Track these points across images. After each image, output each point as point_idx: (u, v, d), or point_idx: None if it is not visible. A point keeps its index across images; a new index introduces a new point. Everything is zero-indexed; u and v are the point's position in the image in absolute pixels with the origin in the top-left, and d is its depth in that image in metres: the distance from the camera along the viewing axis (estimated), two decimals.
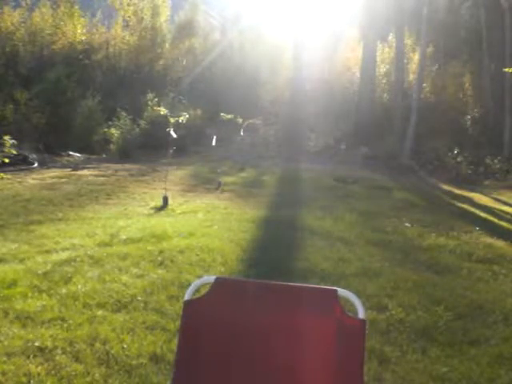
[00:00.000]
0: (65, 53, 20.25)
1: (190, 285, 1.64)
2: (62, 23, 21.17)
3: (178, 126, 8.63)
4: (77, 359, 2.72)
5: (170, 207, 7.29)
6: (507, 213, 8.50)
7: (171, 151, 8.32)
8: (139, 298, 3.55)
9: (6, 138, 7.26)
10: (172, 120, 8.28)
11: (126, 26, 22.95)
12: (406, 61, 19.20)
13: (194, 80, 20.82)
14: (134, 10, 22.87)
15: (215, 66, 22.11)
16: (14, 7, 21.23)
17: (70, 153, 14.38)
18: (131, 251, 4.71)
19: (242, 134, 13.98)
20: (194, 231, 5.63)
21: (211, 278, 1.63)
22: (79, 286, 3.72)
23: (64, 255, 4.54)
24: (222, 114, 12.78)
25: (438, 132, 16.29)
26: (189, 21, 24.17)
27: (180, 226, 5.91)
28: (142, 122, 16.18)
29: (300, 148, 16.33)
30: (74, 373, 2.57)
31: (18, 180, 9.49)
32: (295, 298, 1.60)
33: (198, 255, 4.66)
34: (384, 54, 21.21)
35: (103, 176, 10.65)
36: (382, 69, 20.91)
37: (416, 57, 19.76)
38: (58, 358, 2.71)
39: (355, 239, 5.66)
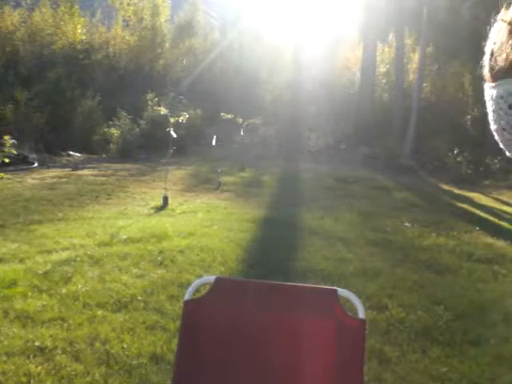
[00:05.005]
0: (65, 53, 20.23)
1: (190, 285, 1.64)
2: (62, 23, 21.15)
3: (178, 126, 8.63)
4: (77, 359, 2.72)
5: (169, 207, 7.29)
6: (507, 213, 8.50)
7: (171, 151, 8.32)
8: (139, 298, 3.56)
9: (6, 137, 7.27)
10: (172, 120, 8.28)
11: (126, 26, 22.94)
12: (405, 61, 19.19)
13: (193, 80, 20.80)
14: (134, 10, 22.86)
15: (215, 66, 22.11)
16: (14, 7, 21.20)
17: (70, 153, 14.37)
18: (131, 251, 4.71)
19: (242, 133, 13.97)
20: (194, 231, 5.63)
21: (211, 278, 1.63)
22: (79, 286, 3.72)
23: (64, 255, 4.54)
24: (222, 114, 12.79)
25: (438, 132, 16.28)
26: (189, 21, 24.16)
27: (180, 225, 5.91)
28: (142, 122, 16.18)
29: (300, 148, 16.33)
30: (73, 373, 2.58)
31: (18, 180, 9.48)
32: (295, 298, 1.60)
33: (198, 255, 4.67)
34: (384, 54, 21.19)
35: (103, 176, 10.65)
36: (382, 69, 20.89)
37: (416, 57, 19.75)
38: (58, 357, 2.71)
39: (355, 239, 5.66)
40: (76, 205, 7.32)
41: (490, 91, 0.54)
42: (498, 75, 0.52)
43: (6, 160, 7.45)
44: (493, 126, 0.54)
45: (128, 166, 12.68)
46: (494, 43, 0.54)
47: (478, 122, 19.15)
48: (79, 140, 15.30)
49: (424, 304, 3.67)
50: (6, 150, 7.20)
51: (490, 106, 0.54)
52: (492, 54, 0.54)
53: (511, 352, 2.98)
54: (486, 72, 0.55)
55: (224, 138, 14.96)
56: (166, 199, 7.44)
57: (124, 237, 5.26)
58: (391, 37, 20.47)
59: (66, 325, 3.10)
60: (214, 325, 1.59)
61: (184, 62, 22.86)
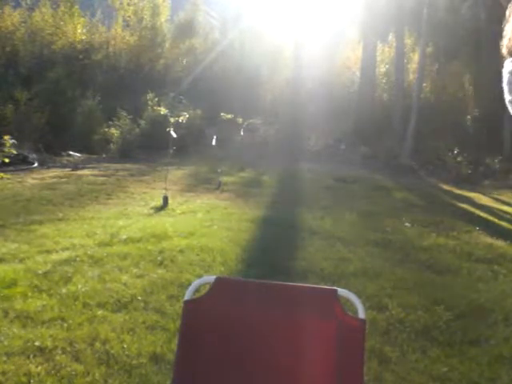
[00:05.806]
0: (65, 53, 20.23)
1: (190, 285, 1.64)
2: (62, 23, 21.15)
3: (178, 126, 8.63)
4: (77, 359, 2.72)
5: (169, 207, 7.29)
6: (507, 213, 8.50)
7: (171, 151, 8.32)
8: (139, 298, 3.55)
9: (6, 137, 7.26)
10: (172, 120, 8.28)
11: (126, 25, 22.94)
12: (406, 61, 19.20)
13: (194, 80, 20.79)
14: (134, 10, 22.86)
15: (215, 66, 22.09)
16: (14, 7, 21.20)
17: (70, 153, 14.37)
18: (131, 251, 4.71)
19: (242, 133, 13.96)
20: (194, 231, 5.63)
21: (211, 278, 1.63)
22: (79, 286, 3.72)
23: (64, 255, 4.54)
24: (222, 114, 12.77)
25: (438, 132, 16.29)
26: (189, 21, 24.14)
27: (180, 225, 5.91)
28: (142, 122, 16.18)
29: (300, 148, 16.33)
30: (73, 373, 2.57)
31: (18, 180, 9.48)
32: (295, 298, 1.60)
33: (198, 255, 4.66)
34: (384, 54, 21.21)
35: (103, 176, 10.65)
36: (382, 69, 20.91)
37: (416, 57, 19.76)
38: (58, 357, 2.71)
39: (355, 239, 5.66)
40: (76, 205, 7.32)
41: (505, 66, 0.59)
42: None
43: (6, 160, 7.44)
44: (506, 98, 0.59)
45: (128, 165, 12.68)
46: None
47: (478, 121, 19.16)
48: (79, 140, 15.29)
49: (424, 304, 3.67)
50: (6, 149, 7.19)
51: (505, 80, 0.59)
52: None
53: (511, 352, 2.98)
54: (504, 50, 0.61)
55: (224, 137, 14.94)
56: (165, 199, 7.44)
57: (124, 237, 5.26)
58: (391, 37, 20.48)
59: (66, 325, 3.09)
60: (213, 325, 1.59)
61: (184, 62, 22.85)
